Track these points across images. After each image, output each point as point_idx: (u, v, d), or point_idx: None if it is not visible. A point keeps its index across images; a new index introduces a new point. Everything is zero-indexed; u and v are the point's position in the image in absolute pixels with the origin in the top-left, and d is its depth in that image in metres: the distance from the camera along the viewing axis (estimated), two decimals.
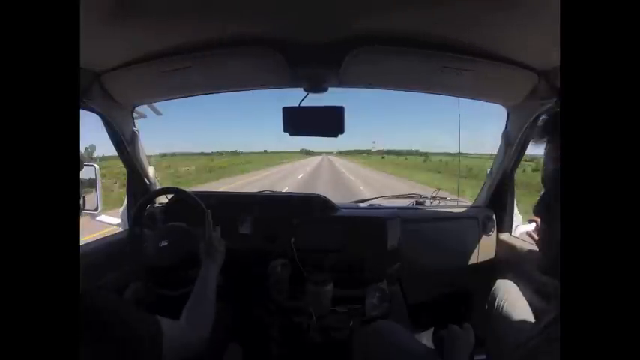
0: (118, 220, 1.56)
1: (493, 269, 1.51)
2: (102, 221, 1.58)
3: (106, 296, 0.61)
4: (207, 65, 1.10)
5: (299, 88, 1.26)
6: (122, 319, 0.59)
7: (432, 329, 1.56)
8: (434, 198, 1.80)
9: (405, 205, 1.78)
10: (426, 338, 1.49)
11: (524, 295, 1.13)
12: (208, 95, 1.47)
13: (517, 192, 1.58)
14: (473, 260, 1.54)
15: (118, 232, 1.48)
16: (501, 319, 1.06)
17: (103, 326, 0.55)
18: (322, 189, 11.08)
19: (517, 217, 1.57)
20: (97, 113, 1.29)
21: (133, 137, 1.45)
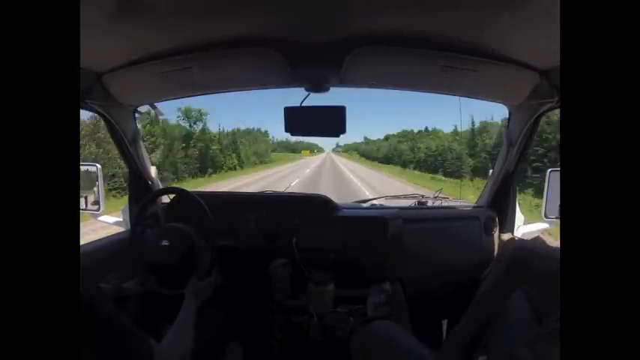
0: (119, 220, 1.57)
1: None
2: (104, 221, 1.58)
3: (107, 304, 0.62)
4: (208, 65, 1.10)
5: (301, 88, 1.27)
6: (119, 331, 0.60)
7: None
8: (436, 198, 1.80)
9: (406, 205, 1.78)
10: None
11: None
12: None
13: None
14: (475, 260, 1.54)
15: (120, 232, 1.49)
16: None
17: (97, 333, 0.56)
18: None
19: (519, 217, 1.57)
20: (99, 114, 1.30)
21: (135, 137, 1.46)
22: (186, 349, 0.85)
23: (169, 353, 0.77)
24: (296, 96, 1.27)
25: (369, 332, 1.00)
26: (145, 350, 0.65)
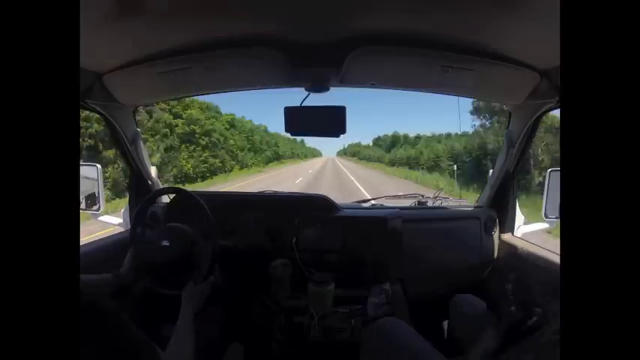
0: (120, 220, 1.57)
1: (495, 270, 1.50)
2: (104, 221, 1.58)
3: (111, 308, 0.61)
4: (208, 65, 1.10)
5: (301, 88, 1.27)
6: (123, 337, 0.60)
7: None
8: (436, 198, 1.80)
9: (407, 205, 1.78)
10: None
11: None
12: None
13: None
14: (475, 260, 1.54)
15: (120, 232, 1.49)
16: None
17: (101, 336, 0.56)
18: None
19: (519, 217, 1.57)
20: (99, 114, 1.30)
21: (135, 137, 1.46)
22: (188, 354, 0.85)
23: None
24: (297, 96, 1.27)
25: (378, 329, 1.00)
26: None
